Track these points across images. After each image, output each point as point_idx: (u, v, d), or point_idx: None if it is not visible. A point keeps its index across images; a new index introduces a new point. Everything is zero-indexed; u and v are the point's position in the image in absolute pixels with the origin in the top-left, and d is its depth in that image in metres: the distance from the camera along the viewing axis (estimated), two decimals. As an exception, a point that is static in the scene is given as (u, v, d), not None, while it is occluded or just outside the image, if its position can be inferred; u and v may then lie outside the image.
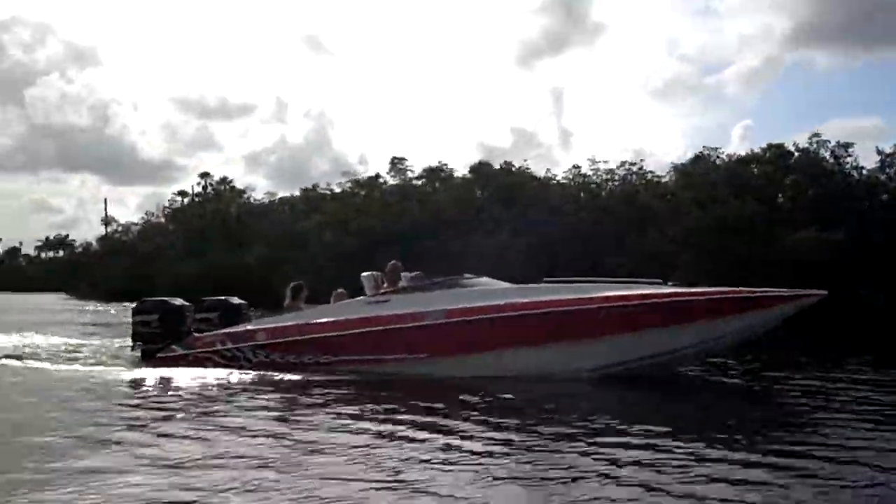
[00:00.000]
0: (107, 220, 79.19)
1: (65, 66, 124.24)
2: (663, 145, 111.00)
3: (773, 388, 12.42)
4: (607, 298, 11.94)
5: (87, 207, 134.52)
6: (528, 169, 53.28)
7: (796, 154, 42.70)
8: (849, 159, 42.08)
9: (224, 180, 72.52)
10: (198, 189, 72.68)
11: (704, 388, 12.61)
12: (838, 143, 42.26)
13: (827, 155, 42.29)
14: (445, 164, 56.83)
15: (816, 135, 42.76)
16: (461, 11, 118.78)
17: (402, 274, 13.63)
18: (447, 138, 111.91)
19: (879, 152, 41.51)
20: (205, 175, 73.15)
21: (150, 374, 12.90)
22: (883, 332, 25.30)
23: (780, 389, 12.18)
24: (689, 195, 43.90)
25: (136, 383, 12.35)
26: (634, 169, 50.40)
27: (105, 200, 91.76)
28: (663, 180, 48.94)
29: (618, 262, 36.09)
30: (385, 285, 13.56)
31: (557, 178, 52.70)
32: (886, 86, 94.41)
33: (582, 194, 49.60)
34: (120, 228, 79.16)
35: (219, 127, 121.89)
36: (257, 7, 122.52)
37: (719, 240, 39.37)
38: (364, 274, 13.73)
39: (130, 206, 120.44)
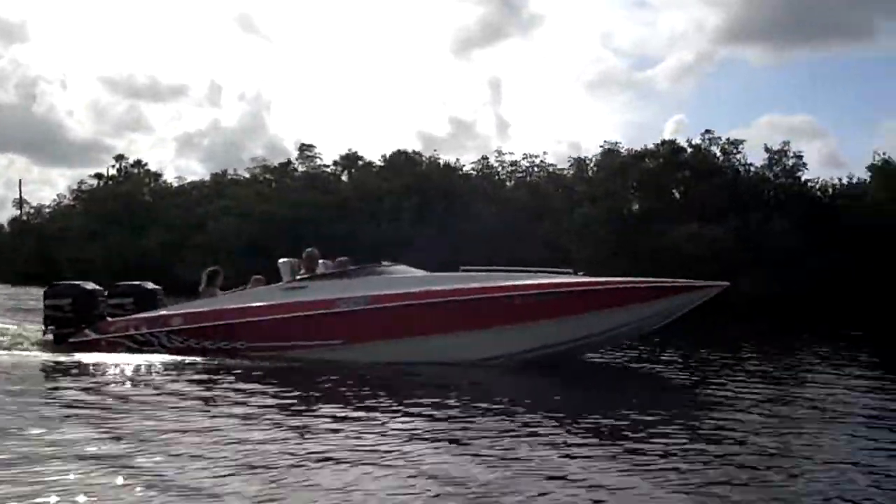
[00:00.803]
0: (21, 203, 75.78)
1: None
2: (599, 138, 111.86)
3: (676, 374, 12.72)
4: (522, 287, 11.96)
5: (16, 189, 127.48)
6: (437, 159, 53.24)
7: (689, 150, 43.65)
8: (738, 156, 43.21)
9: (138, 163, 70.50)
10: (113, 172, 70.32)
11: (612, 374, 12.80)
12: (728, 140, 43.34)
13: (717, 151, 43.41)
14: (355, 152, 56.40)
15: (709, 131, 43.78)
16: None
17: (323, 261, 13.45)
18: (385, 126, 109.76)
19: (767, 149, 42.66)
20: (120, 157, 71.03)
21: (63, 359, 12.36)
22: (760, 323, 26.20)
23: (679, 375, 12.50)
24: (584, 188, 44.71)
25: (49, 368, 11.85)
26: (537, 161, 50.87)
27: (20, 182, 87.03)
28: (564, 173, 49.54)
29: (517, 253, 36.23)
30: (302, 271, 13.34)
31: (465, 168, 52.87)
32: (818, 83, 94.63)
33: (486, 185, 49.76)
34: (31, 211, 75.92)
35: (150, 108, 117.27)
36: None
37: (609, 233, 40.18)
38: (281, 260, 13.46)
39: (60, 187, 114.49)
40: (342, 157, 56.74)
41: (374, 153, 56.47)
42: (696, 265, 29.84)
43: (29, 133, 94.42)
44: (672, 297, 11.82)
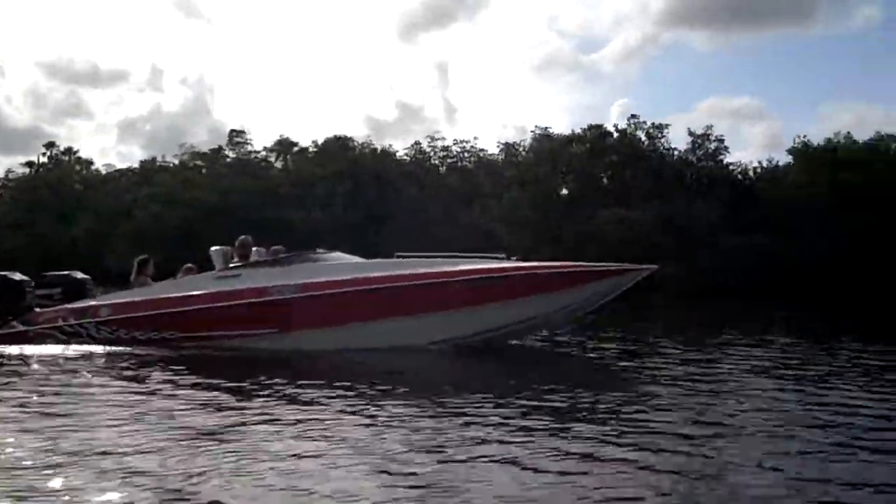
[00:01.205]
0: None
1: None
2: (546, 122, 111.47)
3: (611, 359, 12.70)
4: (455, 272, 11.88)
5: None
6: (370, 145, 52.96)
7: (615, 135, 44.05)
8: (662, 140, 43.80)
9: (69, 150, 68.85)
10: (44, 160, 68.39)
11: (544, 356, 12.82)
12: (653, 124, 43.89)
13: (643, 136, 43.89)
14: (287, 138, 55.77)
15: (634, 116, 44.31)
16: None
17: (257, 249, 13.16)
18: (332, 110, 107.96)
19: (691, 133, 43.35)
20: (50, 145, 69.29)
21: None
22: (683, 305, 26.60)
23: (613, 359, 12.54)
24: (513, 173, 44.91)
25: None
26: (467, 147, 50.92)
27: None
28: (496, 158, 49.69)
29: (447, 238, 36.18)
30: (235, 260, 13.03)
31: (398, 154, 52.67)
32: (761, 65, 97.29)
33: (418, 171, 49.70)
34: None
35: (90, 94, 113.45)
36: None
37: (537, 217, 40.40)
38: (213, 248, 13.09)
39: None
40: (276, 143, 56.01)
41: (316, 138, 55.23)
42: (621, 249, 30.09)
43: None
44: (603, 280, 11.81)
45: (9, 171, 69.99)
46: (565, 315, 12.45)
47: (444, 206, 43.54)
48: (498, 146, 50.71)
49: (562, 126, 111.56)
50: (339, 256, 13.00)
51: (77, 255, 44.30)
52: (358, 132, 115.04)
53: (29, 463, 5.62)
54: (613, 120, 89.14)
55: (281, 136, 56.49)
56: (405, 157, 52.09)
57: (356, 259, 12.99)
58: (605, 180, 43.20)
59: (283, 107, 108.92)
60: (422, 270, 12.02)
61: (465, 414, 7.41)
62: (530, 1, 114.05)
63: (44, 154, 68.83)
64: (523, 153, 47.95)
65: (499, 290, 11.63)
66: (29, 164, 68.62)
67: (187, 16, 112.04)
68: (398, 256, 12.58)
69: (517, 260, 12.44)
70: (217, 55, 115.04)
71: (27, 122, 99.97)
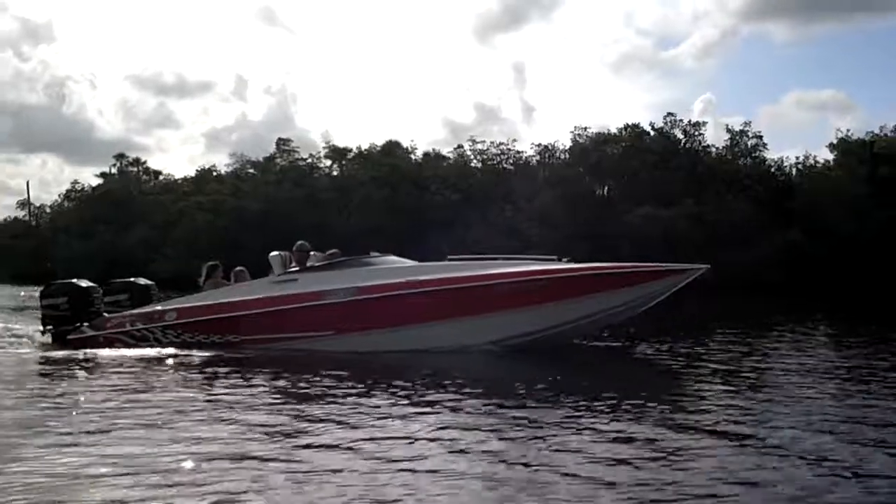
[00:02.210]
0: (29, 203, 74.08)
1: (18, 44, 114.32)
2: (625, 119, 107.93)
3: (658, 357, 12.40)
4: (510, 274, 11.77)
5: (52, 189, 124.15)
6: (414, 149, 52.86)
7: (652, 133, 43.37)
8: (699, 138, 43.02)
9: (136, 161, 69.62)
10: (115, 171, 69.35)
11: (599, 356, 12.63)
12: (689, 121, 43.13)
13: (679, 134, 43.16)
14: (334, 144, 55.84)
15: (671, 114, 43.58)
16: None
17: (314, 253, 13.19)
18: (411, 114, 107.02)
19: (729, 130, 42.56)
20: (120, 156, 69.98)
21: (61, 356, 11.96)
22: (717, 301, 26.23)
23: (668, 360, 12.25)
24: (547, 174, 44.59)
25: (48, 364, 11.46)
26: (504, 148, 50.48)
27: (27, 183, 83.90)
28: (533, 159, 49.13)
29: (480, 237, 35.94)
30: (292, 264, 13.06)
31: (445, 155, 52.33)
32: (844, 56, 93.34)
33: (455, 174, 49.19)
34: (35, 211, 74.33)
35: (178, 105, 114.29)
36: None
37: (569, 217, 40.00)
38: (272, 254, 13.13)
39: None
40: (325, 150, 55.96)
41: (375, 142, 54.93)
42: (652, 247, 29.80)
43: (60, 133, 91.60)
44: (658, 280, 11.66)
45: (75, 182, 70.91)
46: (620, 314, 12.22)
47: (480, 208, 43.27)
48: (531, 147, 50.07)
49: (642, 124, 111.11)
50: (392, 260, 12.96)
51: (133, 262, 44.57)
52: (437, 135, 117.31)
53: (103, 470, 5.58)
54: (696, 116, 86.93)
55: (327, 142, 56.61)
56: (449, 160, 51.60)
57: (409, 262, 12.91)
58: (639, 179, 42.43)
59: (364, 112, 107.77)
60: (474, 272, 11.93)
61: (538, 416, 7.37)
62: None
63: (114, 165, 69.77)
64: (560, 154, 47.37)
65: (552, 290, 11.51)
66: (102, 174, 69.55)
67: (270, 25, 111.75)
68: (450, 259, 12.52)
69: (569, 261, 12.26)
70: (299, 63, 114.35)
71: (118, 133, 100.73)
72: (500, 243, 30.14)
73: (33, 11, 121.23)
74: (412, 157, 53.02)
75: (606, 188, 43.14)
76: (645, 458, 5.74)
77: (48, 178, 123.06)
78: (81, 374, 10.40)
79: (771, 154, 42.61)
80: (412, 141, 55.88)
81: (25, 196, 75.00)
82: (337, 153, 55.32)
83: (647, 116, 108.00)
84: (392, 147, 53.47)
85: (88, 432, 6.63)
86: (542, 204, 41.72)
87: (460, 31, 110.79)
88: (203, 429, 6.83)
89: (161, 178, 68.24)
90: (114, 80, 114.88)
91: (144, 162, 70.28)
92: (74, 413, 7.61)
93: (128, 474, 5.38)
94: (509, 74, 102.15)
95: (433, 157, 52.81)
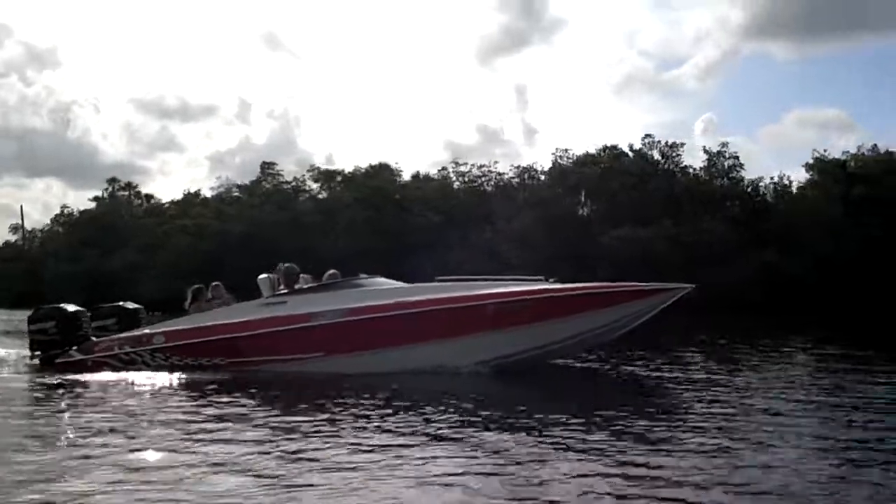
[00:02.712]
0: (22, 227, 73.09)
1: (23, 69, 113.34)
2: (627, 140, 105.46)
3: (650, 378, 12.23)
4: (497, 295, 11.60)
5: (54, 213, 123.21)
6: (400, 172, 52.71)
7: (630, 155, 43.42)
8: (676, 159, 43.09)
9: (128, 185, 69.03)
10: (106, 195, 68.86)
11: (585, 376, 12.45)
12: (666, 143, 43.20)
13: (657, 155, 43.22)
14: (318, 167, 55.59)
15: (649, 135, 43.68)
16: (419, 9, 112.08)
17: (304, 276, 12.96)
18: (414, 137, 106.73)
19: (706, 151, 42.63)
20: (112, 181, 69.43)
21: (49, 380, 11.66)
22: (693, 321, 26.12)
23: (650, 377, 12.07)
24: (526, 195, 44.54)
25: (35, 388, 11.27)
26: (485, 171, 50.33)
27: (21, 207, 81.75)
28: (513, 181, 49.03)
29: (461, 259, 35.65)
30: (281, 287, 12.83)
31: (428, 176, 52.08)
32: (843, 76, 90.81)
33: (438, 196, 49.03)
34: (27, 235, 73.42)
35: (181, 128, 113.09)
36: (213, 6, 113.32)
37: (547, 238, 39.86)
38: (261, 276, 12.91)
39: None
40: (310, 173, 55.65)
41: (404, 165, 54.07)
42: (629, 267, 29.65)
43: (64, 157, 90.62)
44: (642, 299, 11.51)
45: (64, 206, 70.29)
46: (605, 334, 12.02)
47: (462, 229, 43.10)
48: (511, 168, 50.00)
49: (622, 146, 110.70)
50: (381, 282, 12.75)
51: (118, 285, 44.06)
52: (439, 157, 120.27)
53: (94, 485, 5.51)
54: (697, 136, 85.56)
55: (312, 165, 56.34)
56: (433, 182, 51.40)
57: (397, 283, 12.70)
58: (617, 200, 42.43)
59: (367, 135, 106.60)
60: (463, 293, 11.74)
61: (540, 434, 7.18)
62: (607, 21, 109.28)
63: (106, 189, 69.23)
64: (540, 176, 47.35)
65: (539, 311, 11.34)
66: (95, 198, 69.03)
67: (273, 49, 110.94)
68: (438, 280, 12.34)
69: (555, 281, 12.12)
70: (302, 87, 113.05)
71: (121, 156, 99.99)
72: (480, 265, 29.80)
73: (38, 37, 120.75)
74: (397, 179, 52.77)
75: (585, 209, 43.12)
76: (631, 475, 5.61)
77: (52, 203, 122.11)
78: (65, 398, 10.17)
79: (750, 174, 42.64)
80: (396, 163, 55.22)
81: (38, 219, 74.29)
82: (322, 176, 54.98)
83: (649, 137, 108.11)
84: (380, 170, 53.22)
85: (72, 458, 6.39)
86: (522, 226, 41.63)
87: (462, 55, 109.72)
88: (198, 450, 6.61)
89: (151, 201, 67.60)
90: (118, 104, 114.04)
91: (136, 186, 70.19)
92: (61, 439, 7.37)
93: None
94: (511, 97, 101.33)
95: (419, 180, 52.59)
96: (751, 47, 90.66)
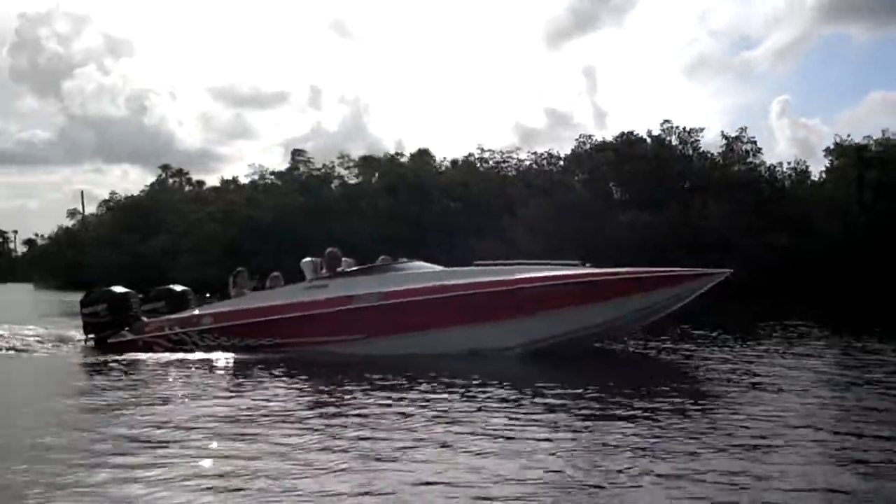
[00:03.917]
0: (83, 212, 73.25)
1: (101, 58, 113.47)
2: (699, 123, 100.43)
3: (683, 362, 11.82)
4: (534, 279, 11.39)
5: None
6: (439, 159, 52.31)
7: (648, 140, 42.53)
8: (695, 144, 41.84)
9: (179, 172, 68.65)
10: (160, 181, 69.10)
11: (623, 360, 12.24)
12: (684, 128, 42.01)
13: (675, 140, 42.22)
14: (347, 155, 55.05)
15: (667, 121, 42.54)
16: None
17: (346, 259, 12.87)
18: (483, 121, 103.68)
19: (724, 136, 41.38)
20: (165, 167, 69.44)
21: (104, 358, 11.72)
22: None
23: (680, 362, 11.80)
24: (540, 181, 43.97)
25: (92, 366, 11.30)
26: (506, 156, 49.50)
27: (82, 193, 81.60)
28: (532, 167, 48.01)
29: (475, 246, 35.17)
30: (324, 270, 12.73)
31: (445, 163, 51.37)
32: None
33: (456, 182, 48.30)
34: (84, 220, 73.44)
35: (255, 115, 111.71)
36: None
37: (558, 224, 39.31)
38: (304, 260, 12.83)
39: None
40: (344, 159, 55.11)
41: (473, 149, 52.71)
42: (639, 253, 29.13)
43: (141, 144, 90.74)
44: (679, 284, 11.26)
45: (113, 192, 70.23)
46: (642, 318, 11.83)
47: (479, 216, 42.67)
48: (528, 155, 49.11)
49: (717, 127, 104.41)
50: (420, 265, 12.64)
51: (152, 270, 44.11)
52: (507, 141, 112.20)
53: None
54: (773, 118, 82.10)
55: (341, 153, 55.55)
56: (455, 165, 50.76)
57: (436, 267, 12.59)
58: (631, 186, 41.61)
59: (436, 119, 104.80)
60: (500, 277, 11.61)
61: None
62: (678, 1, 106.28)
63: (160, 176, 69.16)
64: (556, 162, 46.51)
65: (574, 295, 11.17)
66: (151, 185, 69.08)
67: (342, 37, 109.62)
68: (476, 264, 12.20)
69: (591, 266, 11.94)
70: (372, 73, 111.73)
71: (198, 143, 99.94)
72: (493, 251, 29.18)
73: (115, 27, 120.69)
74: (435, 166, 51.89)
75: (599, 195, 42.39)
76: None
77: (131, 189, 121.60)
78: (120, 375, 10.22)
79: (767, 159, 41.27)
80: (413, 152, 54.24)
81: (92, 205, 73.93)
82: (351, 162, 54.40)
83: (719, 120, 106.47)
84: (419, 155, 52.43)
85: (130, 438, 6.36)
86: (535, 212, 41.18)
87: (530, 38, 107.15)
88: (255, 431, 6.58)
89: (204, 188, 67.19)
90: (192, 92, 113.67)
91: (187, 173, 69.95)
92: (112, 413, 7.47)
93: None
94: (580, 79, 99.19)
95: (445, 167, 51.70)
96: (827, 28, 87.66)
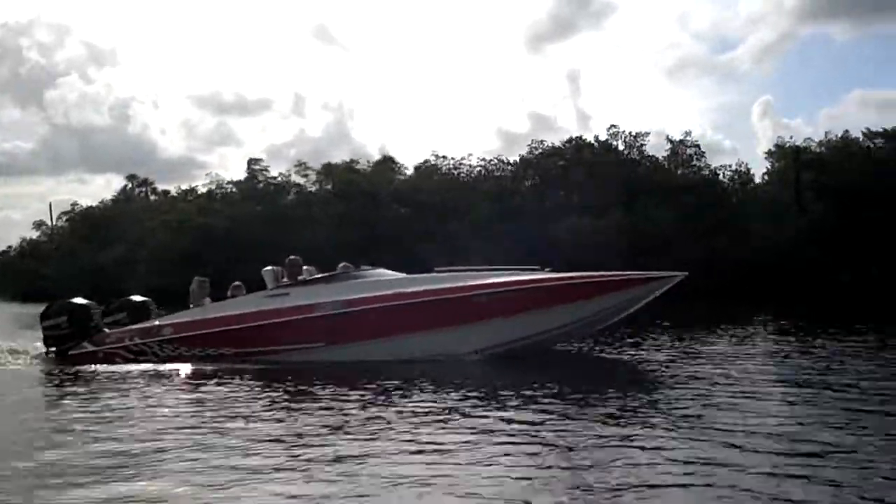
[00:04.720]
0: (52, 223, 70.43)
1: (84, 67, 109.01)
2: (683, 125, 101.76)
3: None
4: (493, 285, 11.28)
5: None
6: (370, 166, 51.55)
7: (595, 145, 42.53)
8: (642, 148, 42.18)
9: (145, 182, 67.11)
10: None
11: (580, 361, 12.10)
12: (630, 133, 42.30)
13: (621, 145, 42.42)
14: (305, 163, 54.11)
15: (613, 125, 42.79)
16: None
17: (308, 267, 12.57)
18: (466, 126, 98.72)
19: (669, 140, 41.77)
20: (132, 177, 67.69)
21: (63, 370, 11.38)
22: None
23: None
24: (487, 186, 43.82)
25: (50, 378, 10.95)
26: (455, 163, 49.12)
27: (50, 205, 77.35)
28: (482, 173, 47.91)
29: (429, 251, 34.98)
30: (285, 279, 12.41)
31: (408, 170, 50.94)
32: None
33: (405, 188, 47.94)
34: (47, 231, 70.82)
35: (238, 123, 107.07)
36: (265, 2, 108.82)
37: (505, 228, 39.22)
38: (265, 269, 12.52)
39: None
40: (295, 167, 54.17)
41: (457, 154, 51.73)
42: (583, 257, 29.06)
43: (125, 153, 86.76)
44: (635, 287, 11.21)
45: (74, 203, 68.02)
46: (599, 321, 11.70)
47: (431, 221, 42.39)
48: (477, 161, 48.96)
49: (700, 128, 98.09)
50: (381, 273, 12.40)
51: (109, 280, 42.84)
52: (491, 146, 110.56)
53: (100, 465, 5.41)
54: (756, 119, 79.33)
55: (299, 161, 54.53)
56: (412, 175, 50.22)
57: (397, 275, 12.36)
58: (576, 190, 41.69)
59: (419, 124, 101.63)
60: (458, 284, 11.43)
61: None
62: (657, 4, 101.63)
63: (125, 186, 67.56)
64: (508, 167, 46.31)
65: (532, 300, 11.07)
66: (118, 195, 67.21)
67: (324, 43, 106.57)
68: (437, 271, 11.99)
69: (550, 271, 11.81)
70: (355, 79, 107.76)
71: (181, 151, 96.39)
72: (443, 256, 28.96)
73: (97, 36, 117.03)
74: (398, 173, 51.33)
75: (547, 200, 42.39)
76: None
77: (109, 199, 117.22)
78: (78, 388, 9.81)
79: (712, 162, 41.76)
80: (369, 162, 53.46)
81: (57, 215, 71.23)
82: (308, 171, 53.60)
83: (702, 122, 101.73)
84: (383, 163, 51.78)
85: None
86: (484, 217, 41.10)
87: (511, 43, 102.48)
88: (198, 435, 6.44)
89: (169, 196, 65.49)
90: (175, 100, 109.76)
91: (153, 183, 68.14)
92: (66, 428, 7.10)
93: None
94: (563, 83, 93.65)
95: (386, 174, 51.24)
96: (808, 27, 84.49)
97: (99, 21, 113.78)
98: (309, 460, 5.55)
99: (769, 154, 41.03)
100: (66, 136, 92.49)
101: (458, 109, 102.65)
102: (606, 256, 29.35)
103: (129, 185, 67.58)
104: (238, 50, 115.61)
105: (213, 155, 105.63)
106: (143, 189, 67.19)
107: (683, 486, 4.78)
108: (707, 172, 40.96)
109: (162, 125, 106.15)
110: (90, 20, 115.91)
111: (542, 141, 45.48)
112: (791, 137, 40.85)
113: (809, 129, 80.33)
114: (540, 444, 5.91)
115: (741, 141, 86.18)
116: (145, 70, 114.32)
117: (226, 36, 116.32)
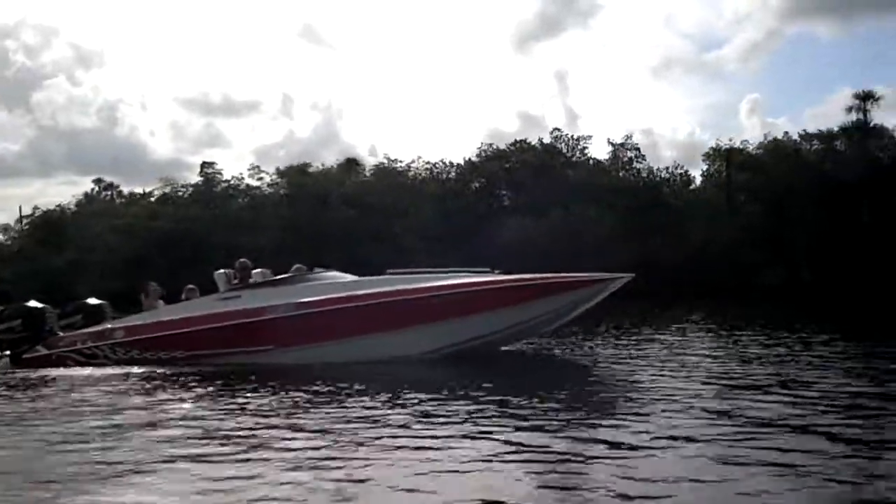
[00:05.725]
0: (22, 226, 67.19)
1: (71, 69, 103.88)
2: (670, 124, 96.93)
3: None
4: (444, 287, 11.06)
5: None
6: (328, 167, 50.98)
7: (538, 148, 42.49)
8: (586, 151, 42.20)
9: (111, 185, 65.08)
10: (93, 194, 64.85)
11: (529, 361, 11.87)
12: (572, 136, 42.33)
13: (564, 148, 42.40)
14: (257, 166, 53.19)
15: (557, 129, 42.78)
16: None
17: (261, 270, 12.28)
18: (455, 125, 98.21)
19: (610, 143, 41.84)
20: (98, 181, 65.49)
21: (13, 375, 10.98)
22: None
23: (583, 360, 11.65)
24: (432, 189, 43.71)
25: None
26: (401, 166, 48.73)
27: (20, 208, 73.54)
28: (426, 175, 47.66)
29: (375, 253, 34.66)
30: (236, 281, 12.10)
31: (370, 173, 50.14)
32: (891, 53, 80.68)
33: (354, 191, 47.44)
34: (14, 234, 67.84)
35: (226, 124, 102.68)
36: (252, 3, 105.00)
37: (447, 229, 39.19)
38: (217, 272, 12.22)
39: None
40: (249, 170, 53.12)
41: (447, 154, 52.02)
42: (520, 258, 29.11)
43: (112, 155, 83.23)
44: (580, 289, 11.06)
45: (35, 207, 65.49)
46: (548, 322, 11.54)
47: (377, 222, 42.02)
48: (424, 164, 48.62)
49: (687, 127, 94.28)
50: (334, 275, 12.14)
51: (63, 284, 41.51)
52: (479, 145, 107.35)
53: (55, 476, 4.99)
54: (743, 117, 77.21)
55: (251, 164, 53.78)
56: (365, 177, 49.59)
57: (349, 277, 12.09)
58: (520, 192, 41.64)
59: (409, 124, 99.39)
60: (410, 286, 11.24)
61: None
62: (644, 3, 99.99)
63: (92, 189, 65.33)
64: (452, 169, 46.14)
65: (481, 301, 10.90)
66: (82, 198, 64.62)
67: (312, 44, 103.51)
68: (389, 273, 11.80)
69: (500, 273, 11.71)
70: (343, 80, 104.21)
71: (169, 153, 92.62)
72: (387, 257, 28.64)
73: (84, 38, 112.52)
74: (359, 173, 50.44)
75: (490, 201, 42.41)
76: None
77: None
78: (30, 392, 9.42)
79: (651, 164, 41.75)
80: (323, 164, 52.58)
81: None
82: (258, 173, 52.78)
83: (691, 120, 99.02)
84: (347, 165, 51.05)
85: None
86: (428, 217, 40.94)
87: (499, 42, 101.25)
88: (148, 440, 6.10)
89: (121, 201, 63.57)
90: (163, 101, 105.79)
91: (117, 186, 65.88)
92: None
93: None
94: (552, 83, 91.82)
95: (334, 177, 50.62)
96: (794, 26, 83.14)
97: (86, 23, 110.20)
98: (265, 460, 5.32)
99: (705, 156, 41.34)
100: (54, 139, 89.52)
101: (446, 109, 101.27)
102: (547, 258, 29.47)
103: (96, 189, 65.73)
104: (226, 51, 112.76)
105: (201, 156, 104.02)
106: (109, 192, 65.31)
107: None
108: (646, 175, 41.27)
109: (150, 127, 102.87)
110: (77, 22, 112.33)
111: (490, 143, 45.55)
112: (731, 139, 40.43)
113: (796, 126, 79.82)
114: (498, 442, 5.69)
115: (730, 139, 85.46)
116: (133, 72, 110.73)
117: (213, 37, 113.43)
